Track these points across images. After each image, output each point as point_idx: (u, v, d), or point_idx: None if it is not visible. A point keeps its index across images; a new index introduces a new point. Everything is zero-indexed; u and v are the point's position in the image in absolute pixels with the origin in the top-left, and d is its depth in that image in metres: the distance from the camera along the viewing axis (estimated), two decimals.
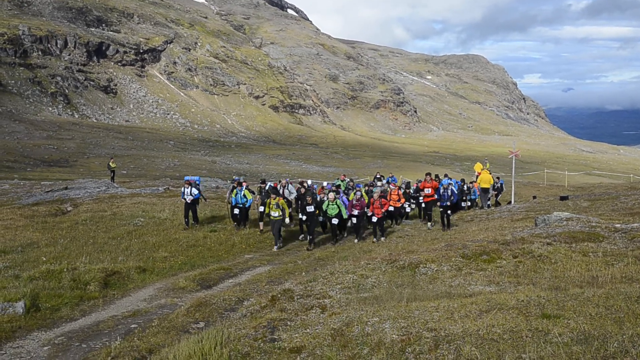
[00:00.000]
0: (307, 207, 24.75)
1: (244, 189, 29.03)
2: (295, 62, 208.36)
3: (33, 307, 16.77)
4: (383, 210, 25.60)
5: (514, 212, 26.77)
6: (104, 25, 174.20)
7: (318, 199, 27.83)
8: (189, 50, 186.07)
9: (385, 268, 14.52)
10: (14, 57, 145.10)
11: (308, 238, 25.80)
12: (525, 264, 13.93)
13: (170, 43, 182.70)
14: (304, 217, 25.96)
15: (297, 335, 10.08)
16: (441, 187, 27.98)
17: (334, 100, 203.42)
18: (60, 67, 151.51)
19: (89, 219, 30.53)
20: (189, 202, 28.33)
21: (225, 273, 21.69)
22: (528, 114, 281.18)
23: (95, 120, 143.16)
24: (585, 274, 12.64)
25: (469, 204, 36.96)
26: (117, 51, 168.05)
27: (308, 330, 10.20)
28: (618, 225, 17.44)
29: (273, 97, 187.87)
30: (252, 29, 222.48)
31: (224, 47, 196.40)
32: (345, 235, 30.11)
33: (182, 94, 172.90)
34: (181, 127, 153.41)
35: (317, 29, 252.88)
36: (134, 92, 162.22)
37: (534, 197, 39.39)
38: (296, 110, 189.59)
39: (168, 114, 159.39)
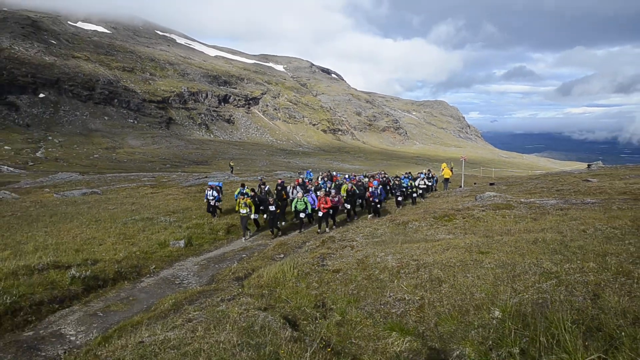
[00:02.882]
0: (269, 207, 19.23)
1: (246, 187, 22.75)
2: (336, 104, 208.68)
3: (188, 243, 16.93)
4: (327, 207, 19.67)
5: (463, 192, 26.30)
6: (227, 84, 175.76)
7: (291, 196, 23.14)
8: (275, 98, 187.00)
9: (388, 224, 14.41)
10: (179, 104, 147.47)
11: (273, 231, 19.66)
12: (469, 222, 13.72)
13: (264, 94, 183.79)
14: (265, 215, 19.72)
15: (336, 262, 10.03)
16: (372, 188, 22.66)
17: (358, 126, 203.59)
18: (203, 109, 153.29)
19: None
20: (211, 202, 22.68)
21: (290, 226, 21.84)
22: (471, 135, 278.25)
23: (222, 139, 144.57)
24: (504, 227, 12.43)
25: (434, 183, 33.80)
26: (235, 99, 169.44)
27: (343, 259, 10.14)
28: (523, 200, 17.10)
29: (323, 124, 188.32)
30: (311, 85, 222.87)
31: (295, 96, 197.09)
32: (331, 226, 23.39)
33: (271, 123, 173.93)
34: (270, 142, 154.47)
35: (349, 85, 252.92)
36: (244, 122, 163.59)
37: (475, 184, 38.86)
38: (336, 132, 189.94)
39: (263, 134, 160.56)
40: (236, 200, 21.10)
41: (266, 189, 23.61)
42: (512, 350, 5.07)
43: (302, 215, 20.16)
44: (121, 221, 20.58)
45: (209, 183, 24.16)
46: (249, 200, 19.04)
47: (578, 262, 7.23)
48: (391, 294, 7.59)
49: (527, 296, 6.28)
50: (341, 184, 25.64)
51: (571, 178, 28.30)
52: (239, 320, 6.96)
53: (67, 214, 22.90)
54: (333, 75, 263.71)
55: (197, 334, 6.47)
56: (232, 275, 12.51)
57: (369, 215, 22.68)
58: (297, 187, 23.75)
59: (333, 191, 21.35)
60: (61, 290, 11.10)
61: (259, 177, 29.13)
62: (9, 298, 9.90)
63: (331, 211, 20.46)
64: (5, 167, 70.08)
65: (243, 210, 18.95)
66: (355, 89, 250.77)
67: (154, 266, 14.12)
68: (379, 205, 22.53)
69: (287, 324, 7.09)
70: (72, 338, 8.96)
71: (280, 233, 19.99)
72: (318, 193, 21.38)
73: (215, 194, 22.86)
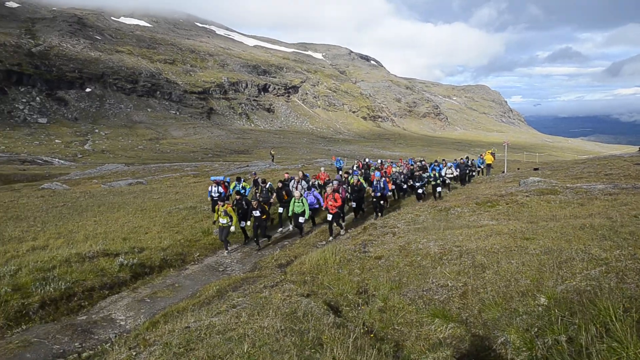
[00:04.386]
0: (253, 212, 15.28)
1: (242, 181, 20.20)
2: (375, 91, 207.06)
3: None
4: (337, 205, 15.34)
5: (506, 178, 25.73)
6: (267, 74, 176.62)
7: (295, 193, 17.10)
8: (314, 86, 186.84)
9: (430, 211, 14.25)
10: (219, 94, 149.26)
11: (258, 242, 15.62)
12: (513, 208, 13.44)
13: (303, 82, 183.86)
14: (248, 223, 15.73)
15: (378, 249, 10.00)
16: (375, 181, 18.60)
17: (398, 112, 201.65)
18: (243, 98, 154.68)
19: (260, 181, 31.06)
20: (215, 198, 18.99)
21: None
22: (514, 120, 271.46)
23: (262, 128, 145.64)
24: (549, 213, 12.13)
25: (474, 174, 30.98)
26: (274, 88, 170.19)
27: (385, 246, 10.10)
28: (569, 185, 16.64)
29: (362, 111, 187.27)
30: (350, 73, 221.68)
31: (334, 83, 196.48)
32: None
33: (310, 111, 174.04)
34: (310, 130, 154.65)
35: (388, 72, 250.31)
36: (283, 110, 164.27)
37: (518, 169, 38.00)
38: (376, 119, 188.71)
39: (303, 123, 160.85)
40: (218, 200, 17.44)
41: (267, 186, 19.12)
42: (558, 338, 4.96)
43: (300, 219, 15.90)
44: (166, 210, 21.02)
45: (212, 178, 21.03)
46: (229, 208, 14.77)
47: (629, 248, 6.98)
48: (434, 281, 7.53)
49: (574, 283, 6.12)
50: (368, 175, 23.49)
51: (620, 162, 27.26)
52: (282, 306, 7.04)
53: (114, 204, 23.58)
54: (372, 61, 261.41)
55: (241, 320, 6.59)
56: (275, 263, 12.65)
57: (373, 215, 18.33)
58: (301, 182, 19.35)
59: (335, 182, 17.68)
60: (110, 277, 11.48)
61: (253, 172, 24.52)
62: (63, 284, 10.34)
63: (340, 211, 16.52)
64: (57, 159, 72.69)
65: (222, 220, 14.71)
66: (395, 75, 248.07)
67: (197, 254, 14.40)
68: (382, 202, 18.65)
69: (330, 310, 7.13)
70: (122, 322, 9.28)
71: (261, 244, 15.79)
72: (327, 189, 16.84)
73: (221, 190, 19.60)
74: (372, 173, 23.57)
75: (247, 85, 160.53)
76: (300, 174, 20.20)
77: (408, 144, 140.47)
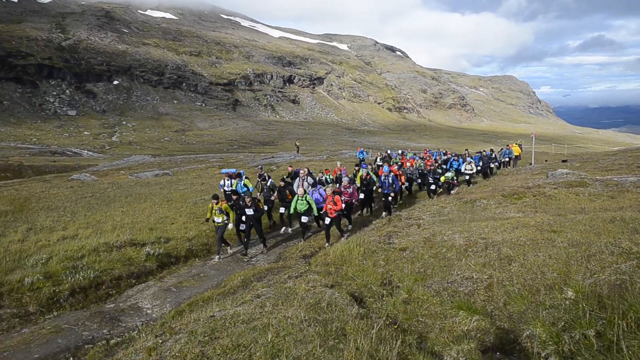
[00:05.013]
0: (246, 210, 13.45)
1: (244, 179, 18.44)
2: (401, 82, 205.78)
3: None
4: (337, 209, 13.40)
5: (533, 170, 25.28)
6: (292, 65, 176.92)
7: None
8: (339, 77, 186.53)
9: (455, 202, 14.13)
10: (245, 86, 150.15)
11: (246, 245, 13.86)
12: (540, 200, 13.24)
13: (328, 74, 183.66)
14: (242, 224, 13.86)
15: (403, 240, 9.97)
16: (382, 176, 16.91)
17: (424, 103, 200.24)
18: (269, 90, 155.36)
19: (285, 172, 31.17)
20: (228, 192, 17.64)
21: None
22: (542, 111, 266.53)
23: (287, 119, 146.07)
24: (577, 206, 11.93)
25: (497, 164, 29.96)
26: (299, 79, 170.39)
27: (410, 238, 10.06)
28: (598, 177, 16.30)
29: (388, 102, 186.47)
30: (376, 64, 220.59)
31: (360, 74, 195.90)
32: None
33: (335, 102, 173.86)
34: (335, 121, 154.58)
35: (414, 62, 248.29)
36: (309, 102, 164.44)
37: (546, 161, 37.43)
38: (401, 110, 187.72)
39: (328, 114, 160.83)
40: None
41: (268, 183, 17.35)
42: (586, 333, 4.88)
43: (304, 219, 14.17)
44: (191, 201, 21.25)
45: (223, 171, 19.61)
46: (224, 205, 13.30)
47: None
48: (458, 273, 7.47)
49: (603, 277, 6.01)
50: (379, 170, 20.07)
51: None
52: (306, 296, 7.08)
53: (141, 195, 23.93)
54: (397, 52, 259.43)
55: (266, 310, 6.64)
56: (299, 253, 12.71)
57: (384, 213, 16.90)
58: (306, 179, 17.30)
59: (345, 179, 15.87)
60: (137, 267, 11.71)
61: (259, 167, 22.58)
62: (92, 273, 10.60)
63: (344, 212, 14.92)
64: (86, 151, 74.08)
65: (217, 219, 13.24)
66: (421, 66, 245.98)
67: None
68: (390, 198, 16.91)
69: (354, 301, 7.14)
70: (149, 311, 9.45)
71: (264, 248, 14.27)
72: (343, 182, 15.87)
73: (234, 182, 18.32)
74: (379, 168, 21.69)
75: (272, 76, 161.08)
76: (306, 170, 18.07)
77: (434, 136, 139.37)
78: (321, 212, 14.53)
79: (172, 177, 33.32)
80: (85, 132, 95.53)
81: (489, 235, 8.72)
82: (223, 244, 13.81)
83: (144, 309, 9.56)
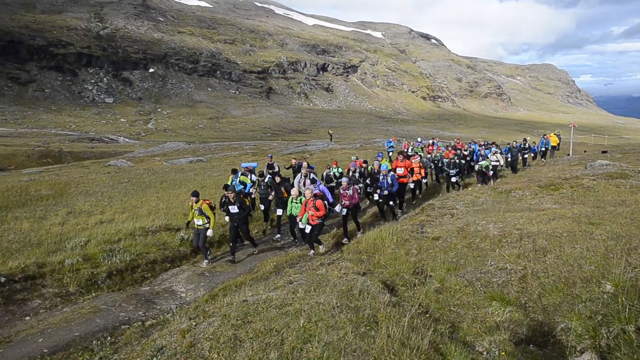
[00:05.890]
0: (230, 207, 12.01)
1: (239, 175, 15.89)
2: (435, 70, 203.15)
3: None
4: (319, 215, 11.50)
5: (571, 160, 24.58)
6: (326, 53, 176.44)
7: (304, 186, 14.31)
8: (373, 65, 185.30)
9: (490, 193, 13.93)
10: (278, 74, 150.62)
11: (234, 250, 12.26)
12: (578, 191, 12.94)
13: (362, 62, 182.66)
14: (227, 218, 12.40)
15: (436, 230, 9.91)
16: (381, 175, 14.87)
17: (459, 92, 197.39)
18: (302, 78, 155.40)
19: (318, 160, 31.20)
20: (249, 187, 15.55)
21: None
22: (581, 100, 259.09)
23: (321, 107, 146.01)
24: (617, 198, 11.62)
25: (532, 154, 28.52)
26: (333, 67, 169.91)
27: (443, 227, 9.99)
28: None
29: (422, 91, 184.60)
30: (410, 52, 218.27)
31: (394, 63, 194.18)
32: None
33: (369, 90, 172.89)
34: (368, 110, 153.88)
35: (449, 50, 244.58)
36: (342, 90, 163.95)
37: (585, 152, 36.42)
38: (436, 99, 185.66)
39: (361, 102, 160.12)
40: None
41: (265, 180, 15.09)
42: (626, 328, 4.77)
43: (302, 225, 12.00)
44: None
45: (243, 165, 17.29)
46: (204, 205, 11.63)
47: None
48: (492, 263, 7.39)
49: None
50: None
51: None
52: (338, 283, 7.12)
53: (175, 181, 24.32)
54: (433, 40, 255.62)
55: (298, 295, 6.71)
56: (332, 241, 12.76)
57: (400, 213, 15.20)
58: (309, 176, 15.47)
59: (344, 180, 13.30)
60: (172, 251, 11.97)
61: (269, 156, 19.57)
62: (128, 256, 10.91)
63: (348, 211, 13.26)
64: (122, 138, 75.58)
65: (198, 221, 11.67)
66: (456, 54, 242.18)
67: (256, 230, 14.68)
68: (391, 203, 15.03)
69: (386, 289, 7.15)
70: (183, 294, 9.67)
71: (254, 250, 12.81)
72: (342, 183, 13.35)
73: (254, 178, 16.39)
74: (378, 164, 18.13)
75: (306, 64, 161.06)
76: (305, 164, 16.37)
77: (468, 125, 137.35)
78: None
79: (206, 164, 33.71)
80: (121, 119, 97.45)
81: (524, 226, 8.59)
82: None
83: (178, 293, 9.78)
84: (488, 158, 20.66)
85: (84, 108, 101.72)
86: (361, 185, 15.98)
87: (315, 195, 11.81)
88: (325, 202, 12.18)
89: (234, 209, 12.04)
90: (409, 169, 16.56)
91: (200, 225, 11.65)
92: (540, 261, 6.97)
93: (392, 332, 5.31)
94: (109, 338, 7.21)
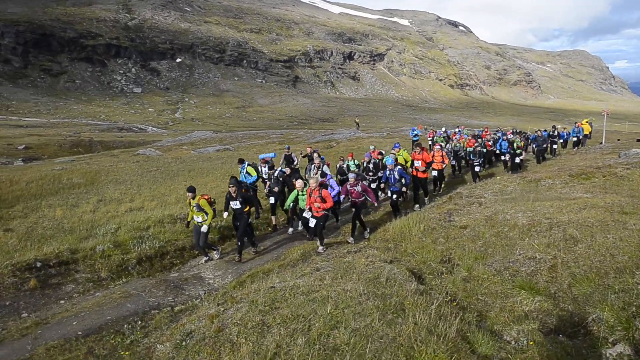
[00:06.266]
0: (232, 203, 11.05)
1: (246, 165, 14.63)
2: (463, 58, 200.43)
3: None
4: (325, 207, 10.60)
5: (604, 149, 23.98)
6: (352, 41, 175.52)
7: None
8: (400, 54, 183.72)
9: (519, 182, 13.73)
10: (305, 63, 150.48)
11: (241, 246, 11.06)
12: (611, 180, 12.66)
13: (389, 50, 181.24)
14: (225, 215, 11.38)
15: (464, 218, 9.82)
16: (387, 170, 13.62)
17: (487, 80, 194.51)
18: (329, 66, 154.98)
19: (345, 148, 31.16)
20: (265, 179, 14.54)
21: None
22: (616, 87, 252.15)
23: (347, 96, 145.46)
24: None
25: (561, 142, 27.42)
26: (360, 56, 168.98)
27: (471, 216, 9.90)
28: None
29: (450, 79, 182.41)
30: (438, 39, 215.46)
31: (421, 50, 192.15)
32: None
33: (396, 79, 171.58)
34: (395, 98, 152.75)
35: (478, 38, 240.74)
36: (369, 78, 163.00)
37: (618, 140, 35.52)
38: (464, 87, 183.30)
39: (388, 91, 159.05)
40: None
41: (276, 173, 13.84)
42: None
43: (307, 215, 11.02)
44: None
45: (261, 156, 16.20)
46: (202, 201, 10.74)
47: None
48: (521, 252, 7.31)
49: None
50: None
51: None
52: (365, 271, 7.14)
53: (203, 169, 24.59)
54: (461, 27, 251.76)
55: (325, 283, 6.75)
56: (359, 229, 12.74)
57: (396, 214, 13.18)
58: (322, 168, 14.55)
59: (351, 176, 11.95)
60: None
61: (287, 147, 18.72)
62: (157, 243, 11.11)
63: (357, 208, 11.92)
64: (150, 127, 76.57)
65: (197, 218, 10.82)
66: (485, 42, 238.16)
67: (283, 218, 14.75)
68: (395, 197, 13.46)
69: (413, 277, 7.15)
70: (211, 281, 9.81)
71: (239, 257, 11.08)
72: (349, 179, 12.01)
73: (267, 170, 14.95)
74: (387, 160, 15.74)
75: (332, 53, 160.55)
76: (316, 155, 15.23)
77: (497, 113, 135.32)
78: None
79: (233, 153, 33.97)
80: (149, 109, 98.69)
81: (554, 216, 8.46)
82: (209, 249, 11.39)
83: (206, 279, 9.92)
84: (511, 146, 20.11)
85: (113, 98, 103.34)
86: (372, 178, 15.53)
87: (321, 185, 10.99)
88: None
89: (235, 204, 11.03)
90: (427, 162, 15.05)
91: (200, 223, 10.83)
92: (571, 251, 6.87)
93: (419, 320, 5.31)
94: (140, 322, 7.38)
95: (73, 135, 51.94)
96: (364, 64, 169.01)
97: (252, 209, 11.46)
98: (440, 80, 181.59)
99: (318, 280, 6.90)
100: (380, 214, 14.37)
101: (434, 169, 16.48)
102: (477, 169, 18.52)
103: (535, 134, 23.70)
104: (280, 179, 13.68)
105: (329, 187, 12.20)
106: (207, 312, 6.64)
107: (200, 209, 10.67)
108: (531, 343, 5.10)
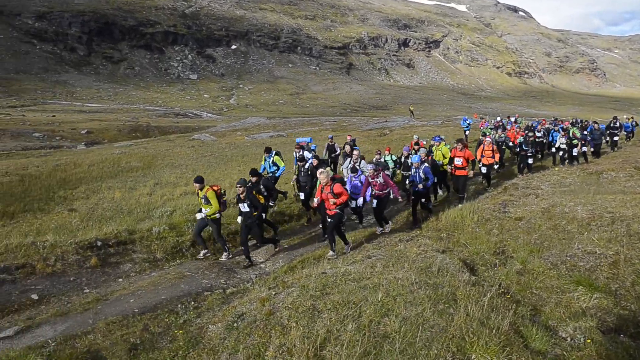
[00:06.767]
0: (240, 205, 10.03)
1: (273, 154, 14.13)
2: (522, 45, 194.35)
3: None
4: (339, 203, 9.42)
5: None
6: (407, 28, 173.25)
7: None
8: (456, 40, 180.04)
9: (579, 173, 13.28)
10: (359, 49, 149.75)
11: (246, 250, 10.05)
12: None
13: (445, 36, 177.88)
14: (239, 219, 10.23)
15: (519, 210, 9.61)
16: (412, 168, 11.90)
17: (547, 68, 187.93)
18: (383, 53, 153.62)
19: (398, 137, 30.91)
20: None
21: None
22: None
23: (401, 83, 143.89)
24: None
25: (624, 133, 25.60)
26: (415, 43, 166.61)
27: (526, 207, 9.68)
28: None
29: (508, 67, 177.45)
30: (496, 26, 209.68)
31: (478, 37, 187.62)
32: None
33: (452, 66, 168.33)
34: (450, 86, 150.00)
35: (538, 23, 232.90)
36: (424, 66, 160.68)
37: None
38: (522, 75, 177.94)
39: (443, 79, 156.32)
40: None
41: (306, 166, 12.91)
42: None
43: (313, 201, 10.54)
44: None
45: (298, 140, 15.12)
46: (209, 192, 9.95)
47: None
48: (579, 247, 7.08)
49: None
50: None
51: None
52: (417, 260, 7.10)
53: (256, 155, 24.92)
54: (520, 12, 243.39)
55: (376, 270, 6.76)
56: (410, 218, 12.64)
57: (381, 227, 11.52)
58: (359, 162, 13.17)
59: (370, 167, 11.16)
60: None
61: (330, 136, 18.14)
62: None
63: (379, 201, 11.16)
64: (205, 113, 78.09)
65: (206, 210, 10.07)
66: (546, 27, 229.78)
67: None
68: (424, 200, 11.95)
69: (465, 267, 7.06)
70: (262, 265, 10.01)
71: (249, 262, 10.09)
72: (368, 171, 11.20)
73: (307, 155, 13.99)
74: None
75: (386, 40, 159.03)
76: (356, 152, 13.50)
77: (557, 103, 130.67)
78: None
79: (286, 139, 34.28)
80: (205, 95, 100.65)
81: (617, 210, 8.14)
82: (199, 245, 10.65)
83: (258, 263, 10.12)
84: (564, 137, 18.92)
85: (169, 84, 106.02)
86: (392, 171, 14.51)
87: (333, 179, 9.77)
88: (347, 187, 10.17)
89: (244, 207, 9.99)
90: (468, 160, 13.33)
91: (208, 216, 10.08)
92: (635, 247, 6.61)
93: (471, 311, 5.25)
94: (193, 303, 7.60)
95: (131, 120, 53.61)
96: (419, 51, 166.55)
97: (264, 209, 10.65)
98: (498, 68, 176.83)
99: (369, 267, 6.92)
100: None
101: (483, 164, 15.55)
102: (530, 160, 17.61)
103: (592, 126, 21.80)
104: (310, 173, 12.70)
105: (357, 180, 11.20)
106: (259, 295, 6.77)
107: (207, 201, 9.91)
108: (588, 341, 4.94)
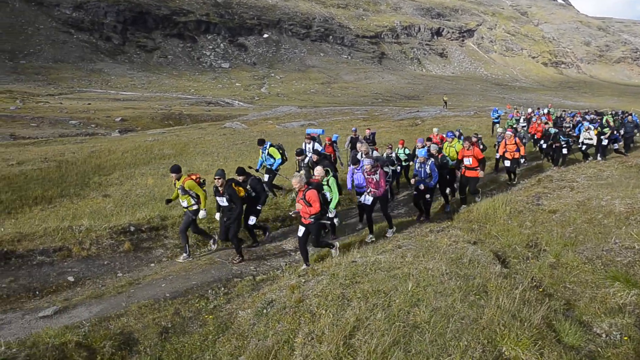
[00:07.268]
0: (218, 199, 9.37)
1: (268, 146, 13.94)
2: (560, 34, 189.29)
3: None
4: (312, 213, 8.08)
5: None
6: (441, 17, 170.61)
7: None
8: (491, 30, 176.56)
9: (617, 166, 12.99)
10: (391, 39, 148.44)
11: (240, 249, 9.45)
12: None
13: (479, 25, 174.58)
14: (217, 216, 9.82)
15: (553, 203, 9.47)
16: (417, 162, 11.31)
17: (586, 57, 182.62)
18: (416, 43, 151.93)
19: (429, 127, 30.58)
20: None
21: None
22: None
23: (434, 73, 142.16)
24: None
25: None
26: (448, 32, 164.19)
27: (561, 200, 9.52)
28: None
29: (544, 57, 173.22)
30: (532, 14, 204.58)
31: (513, 26, 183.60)
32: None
33: (486, 56, 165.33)
34: (484, 76, 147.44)
35: (578, 11, 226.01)
36: (457, 55, 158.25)
37: None
38: (558, 65, 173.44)
39: (477, 69, 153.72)
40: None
41: (306, 160, 12.88)
42: None
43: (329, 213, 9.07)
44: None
45: (308, 131, 14.67)
46: (189, 182, 9.34)
47: None
48: (617, 241, 6.93)
49: None
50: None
51: None
52: (447, 251, 7.06)
53: (287, 143, 24.97)
54: (559, 0, 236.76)
55: (406, 260, 6.75)
56: (442, 209, 12.55)
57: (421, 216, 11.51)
58: (372, 153, 12.54)
59: (367, 162, 10.00)
60: (283, 211, 12.48)
61: (354, 129, 17.37)
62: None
63: (375, 200, 10.12)
64: (237, 101, 78.63)
65: (182, 202, 9.52)
66: (585, 15, 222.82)
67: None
68: (427, 197, 11.26)
69: (497, 259, 6.99)
70: (292, 253, 10.09)
71: (240, 259, 9.37)
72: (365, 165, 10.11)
73: (317, 146, 13.69)
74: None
75: (419, 29, 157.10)
76: (365, 146, 12.42)
77: (595, 94, 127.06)
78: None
79: (316, 127, 34.32)
80: (236, 84, 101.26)
81: None
82: (203, 237, 10.37)
83: (288, 251, 10.20)
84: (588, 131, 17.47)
85: (202, 73, 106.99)
86: (394, 168, 13.48)
87: (308, 184, 8.49)
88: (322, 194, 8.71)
89: (222, 201, 9.32)
90: (479, 159, 12.10)
91: (185, 207, 9.53)
92: None
93: (502, 304, 5.20)
94: (223, 289, 7.72)
95: (164, 108, 54.34)
96: (452, 40, 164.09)
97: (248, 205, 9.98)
98: (533, 57, 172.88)
99: (399, 257, 6.91)
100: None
101: (506, 159, 14.78)
102: (564, 151, 16.61)
103: (626, 119, 20.40)
104: (310, 167, 12.24)
105: (359, 173, 10.26)
106: (288, 282, 6.84)
107: (185, 191, 9.30)
108: (625, 338, 4.85)
